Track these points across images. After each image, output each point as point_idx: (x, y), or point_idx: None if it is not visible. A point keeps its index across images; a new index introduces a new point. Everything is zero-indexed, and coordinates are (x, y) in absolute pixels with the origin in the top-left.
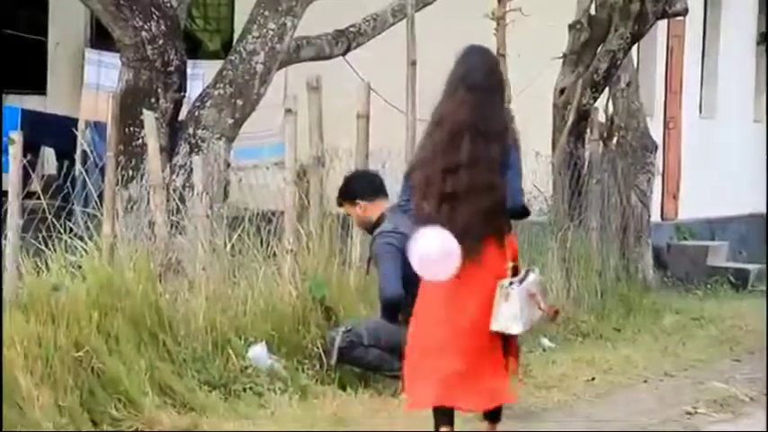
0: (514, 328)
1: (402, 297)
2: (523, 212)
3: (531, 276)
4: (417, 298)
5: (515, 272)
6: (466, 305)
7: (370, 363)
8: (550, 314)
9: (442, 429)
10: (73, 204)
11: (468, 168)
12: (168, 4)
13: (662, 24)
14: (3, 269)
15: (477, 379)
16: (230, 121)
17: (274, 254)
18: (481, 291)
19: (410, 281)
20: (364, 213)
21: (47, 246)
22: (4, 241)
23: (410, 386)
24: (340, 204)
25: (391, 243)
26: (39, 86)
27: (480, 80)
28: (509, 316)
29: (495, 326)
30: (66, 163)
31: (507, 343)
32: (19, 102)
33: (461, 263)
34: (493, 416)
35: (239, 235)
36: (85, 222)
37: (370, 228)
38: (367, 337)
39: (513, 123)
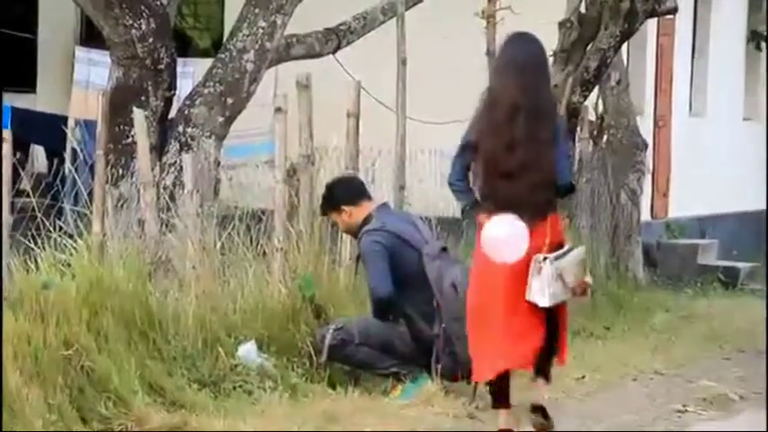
0: (541, 302)
1: (393, 295)
2: (571, 188)
3: (571, 254)
4: (472, 276)
5: (556, 247)
6: (515, 279)
7: (360, 361)
8: (578, 292)
9: (501, 412)
10: (63, 203)
11: (525, 146)
12: (158, 3)
13: (652, 23)
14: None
15: (526, 342)
16: (220, 119)
17: (264, 252)
18: (526, 265)
19: (400, 278)
20: (350, 218)
21: (36, 244)
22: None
23: (475, 360)
24: (324, 214)
25: (378, 241)
26: (28, 84)
27: (530, 63)
28: (537, 289)
29: (528, 296)
30: (55, 161)
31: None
32: (8, 100)
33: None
34: (544, 373)
35: (229, 233)
36: (75, 221)
37: (358, 230)
38: (358, 335)
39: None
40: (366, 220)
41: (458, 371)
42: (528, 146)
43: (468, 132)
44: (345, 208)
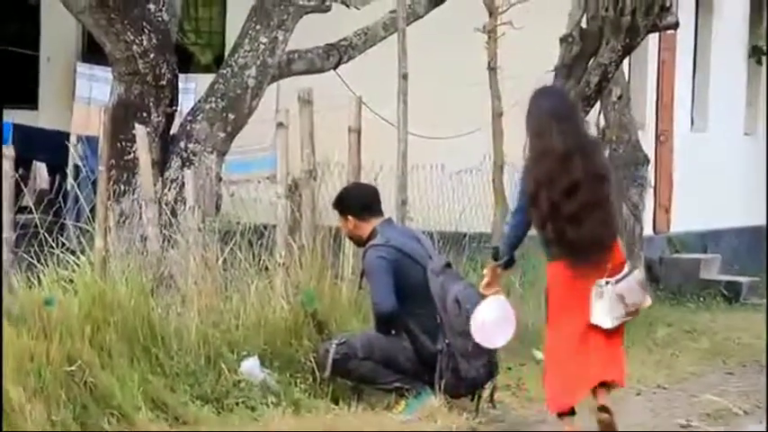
0: (605, 324)
1: (396, 310)
2: None
3: (631, 276)
4: (549, 308)
5: (617, 271)
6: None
7: (363, 375)
8: (633, 313)
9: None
10: (65, 219)
11: (586, 187)
12: (160, 18)
13: (653, 38)
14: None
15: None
16: (222, 134)
17: (266, 267)
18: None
19: (403, 293)
20: (354, 229)
21: (39, 260)
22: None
23: (551, 392)
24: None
25: (383, 256)
26: (30, 101)
27: (567, 112)
28: (600, 312)
29: (592, 319)
30: (57, 177)
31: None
32: (10, 116)
33: (589, 270)
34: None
35: (231, 249)
36: (78, 237)
37: (360, 241)
38: (361, 349)
39: None
40: (371, 235)
41: (461, 387)
42: (589, 185)
43: (525, 184)
44: (351, 218)
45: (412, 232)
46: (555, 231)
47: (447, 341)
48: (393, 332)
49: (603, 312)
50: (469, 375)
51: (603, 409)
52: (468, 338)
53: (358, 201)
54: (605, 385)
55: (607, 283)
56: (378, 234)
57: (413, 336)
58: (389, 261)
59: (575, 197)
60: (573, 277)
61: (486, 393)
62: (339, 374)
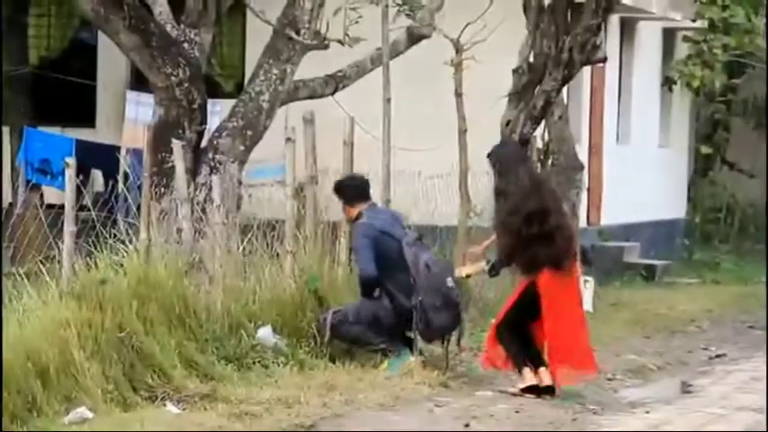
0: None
1: (375, 276)
2: None
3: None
4: (547, 302)
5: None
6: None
7: (355, 337)
8: None
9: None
10: (116, 215)
11: (557, 210)
12: (192, 55)
13: (587, 69)
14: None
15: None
16: (242, 147)
17: (277, 254)
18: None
19: (383, 262)
20: (346, 213)
21: (96, 248)
22: (61, 245)
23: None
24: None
25: (365, 234)
26: (89, 121)
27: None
28: (589, 301)
29: (586, 307)
30: (111, 182)
31: None
32: (73, 133)
33: (570, 269)
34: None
35: (249, 239)
36: (126, 230)
37: (352, 222)
38: (351, 315)
39: None
40: (358, 217)
41: (432, 334)
42: (559, 210)
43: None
44: (343, 204)
45: (391, 213)
46: (559, 246)
47: (420, 298)
48: (376, 295)
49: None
50: (438, 324)
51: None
52: (436, 295)
53: (348, 189)
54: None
55: (587, 281)
56: (364, 216)
57: (391, 295)
58: (370, 238)
59: (554, 217)
60: (562, 277)
61: (453, 338)
62: (336, 337)
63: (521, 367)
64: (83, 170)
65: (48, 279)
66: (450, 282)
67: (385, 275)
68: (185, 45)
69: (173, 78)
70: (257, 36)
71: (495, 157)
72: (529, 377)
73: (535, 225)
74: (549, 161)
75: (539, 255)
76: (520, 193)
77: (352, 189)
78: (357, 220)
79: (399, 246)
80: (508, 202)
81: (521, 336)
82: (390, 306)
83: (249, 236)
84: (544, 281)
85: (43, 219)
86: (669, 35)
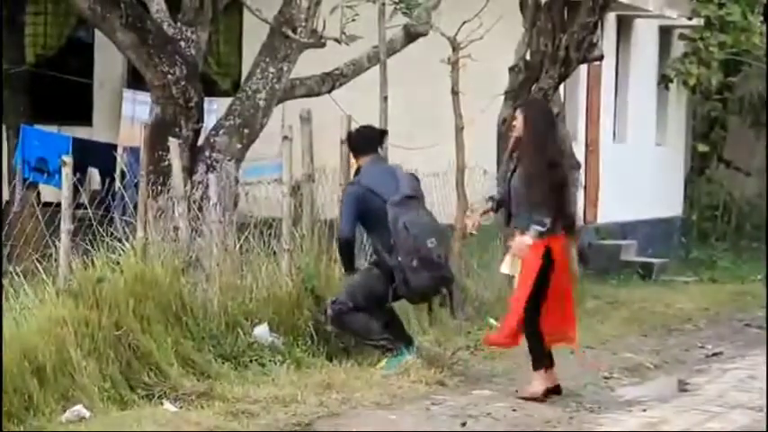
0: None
1: (351, 237)
2: None
3: None
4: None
5: None
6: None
7: (357, 330)
8: None
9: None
10: (113, 213)
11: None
12: (188, 53)
13: (583, 67)
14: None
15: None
16: (239, 146)
17: (274, 252)
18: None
19: (369, 220)
20: (353, 163)
21: (93, 246)
22: (58, 243)
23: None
24: None
25: (350, 192)
26: (86, 119)
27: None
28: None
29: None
30: (108, 180)
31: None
32: (70, 131)
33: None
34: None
35: (246, 237)
36: (123, 228)
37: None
38: (347, 297)
39: None
40: (357, 171)
41: (413, 295)
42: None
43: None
44: (351, 155)
45: (391, 169)
46: (569, 212)
47: (399, 258)
48: (366, 267)
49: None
50: (417, 284)
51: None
52: (412, 255)
53: (354, 141)
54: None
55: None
56: (361, 172)
57: (377, 251)
58: (354, 196)
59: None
60: (568, 244)
61: (436, 302)
62: (340, 328)
63: (538, 368)
64: (80, 168)
65: (44, 277)
66: (430, 243)
67: (372, 234)
68: (182, 43)
69: (169, 76)
70: (254, 34)
71: (525, 109)
72: (538, 383)
73: (559, 173)
74: None
75: (563, 210)
76: (549, 146)
77: (358, 140)
78: (357, 174)
79: (385, 205)
80: (537, 153)
81: (539, 330)
82: (379, 272)
83: (246, 234)
84: (559, 246)
85: (40, 217)
86: (665, 33)
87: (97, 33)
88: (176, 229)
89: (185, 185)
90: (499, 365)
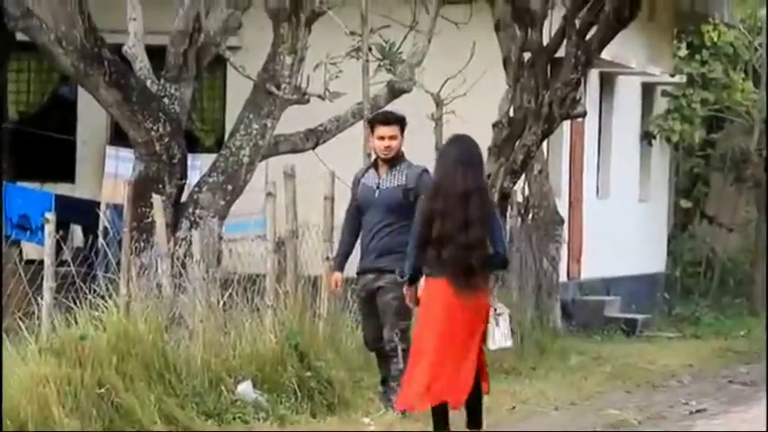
0: (507, 344)
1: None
2: (504, 261)
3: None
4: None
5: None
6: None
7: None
8: None
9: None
10: (96, 270)
11: (476, 224)
12: (172, 110)
13: (566, 124)
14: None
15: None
16: (222, 202)
17: (258, 309)
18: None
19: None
20: (398, 144)
21: (76, 304)
22: (40, 300)
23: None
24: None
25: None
26: (69, 176)
27: (470, 158)
28: (502, 336)
29: (491, 345)
30: (90, 237)
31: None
32: (53, 188)
33: (466, 292)
34: (475, 422)
35: (230, 294)
36: (106, 285)
37: (396, 156)
38: (400, 318)
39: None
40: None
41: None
42: (478, 225)
43: (424, 212)
44: (401, 135)
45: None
46: (444, 255)
47: None
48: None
49: (505, 336)
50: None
51: None
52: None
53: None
54: (475, 423)
55: (500, 313)
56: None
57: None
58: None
59: (466, 234)
60: (452, 294)
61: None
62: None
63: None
64: (62, 225)
65: (27, 335)
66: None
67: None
68: (165, 100)
69: (153, 133)
70: (238, 91)
71: (442, 150)
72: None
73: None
74: (530, 215)
75: (435, 260)
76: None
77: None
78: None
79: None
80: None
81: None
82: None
83: (229, 290)
84: (431, 288)
85: (22, 274)
86: (648, 90)
87: (80, 90)
88: (159, 285)
89: (169, 242)
90: (482, 422)
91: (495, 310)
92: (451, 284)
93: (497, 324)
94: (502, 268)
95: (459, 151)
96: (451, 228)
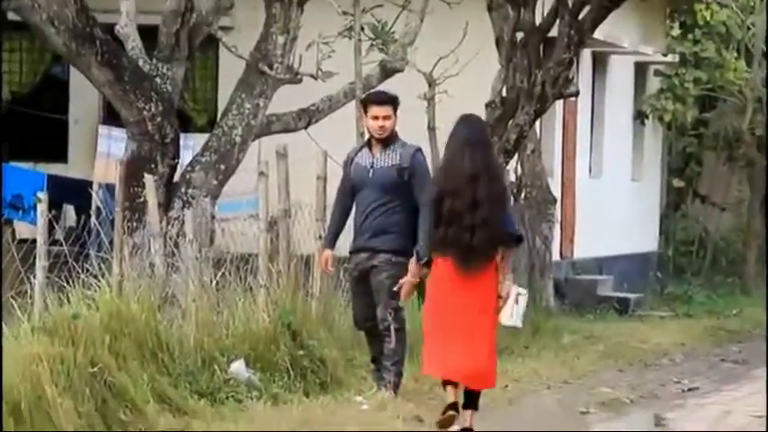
0: (519, 324)
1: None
2: (519, 238)
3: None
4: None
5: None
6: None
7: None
8: None
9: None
10: (89, 250)
11: (484, 205)
12: (164, 89)
13: (559, 103)
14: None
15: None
16: (215, 182)
17: (251, 288)
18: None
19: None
20: (392, 124)
21: (68, 283)
22: (33, 280)
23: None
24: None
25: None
26: (61, 156)
27: (477, 138)
28: (515, 315)
29: (504, 322)
30: (83, 217)
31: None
32: (45, 168)
33: (472, 271)
34: (473, 403)
35: (222, 273)
36: (99, 264)
37: (390, 136)
38: (392, 296)
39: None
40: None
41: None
42: (486, 204)
43: (434, 193)
44: (395, 114)
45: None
46: (450, 235)
47: None
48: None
49: (519, 315)
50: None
51: (452, 406)
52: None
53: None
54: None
55: (521, 293)
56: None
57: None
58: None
59: (473, 214)
60: (456, 273)
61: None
62: (401, 340)
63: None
64: (55, 205)
65: (19, 314)
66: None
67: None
68: (158, 80)
69: (145, 113)
70: (230, 70)
71: (452, 129)
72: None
73: (459, 209)
74: (523, 195)
75: (443, 240)
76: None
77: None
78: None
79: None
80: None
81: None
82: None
83: (222, 270)
84: (439, 266)
85: (15, 254)
86: (641, 69)
87: (72, 70)
88: (152, 265)
89: (161, 222)
90: None
91: (518, 291)
92: (454, 264)
93: (517, 302)
94: (515, 245)
95: (467, 131)
96: (460, 207)
